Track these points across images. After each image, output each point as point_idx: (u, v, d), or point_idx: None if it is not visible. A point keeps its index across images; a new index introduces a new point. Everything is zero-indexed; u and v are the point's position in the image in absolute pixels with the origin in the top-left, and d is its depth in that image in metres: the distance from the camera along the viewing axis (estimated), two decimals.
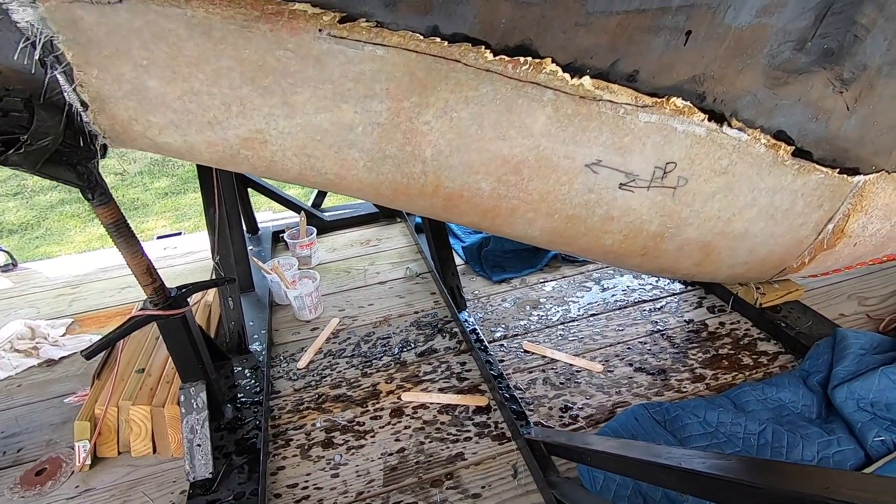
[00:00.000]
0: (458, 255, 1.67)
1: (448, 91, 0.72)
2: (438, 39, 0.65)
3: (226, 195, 1.33)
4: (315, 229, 1.72)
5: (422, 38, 0.65)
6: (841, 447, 0.89)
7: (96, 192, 0.75)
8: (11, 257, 1.81)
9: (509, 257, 1.59)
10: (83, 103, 0.64)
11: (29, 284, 1.71)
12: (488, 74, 0.71)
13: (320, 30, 0.61)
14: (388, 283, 1.57)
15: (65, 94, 0.63)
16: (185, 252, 1.86)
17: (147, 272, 0.84)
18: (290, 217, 1.98)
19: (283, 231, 1.79)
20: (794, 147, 0.91)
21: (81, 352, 0.80)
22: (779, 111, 0.87)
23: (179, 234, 2.02)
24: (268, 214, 2.05)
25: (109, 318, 1.49)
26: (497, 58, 0.69)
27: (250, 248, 1.74)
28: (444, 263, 1.42)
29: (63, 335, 1.41)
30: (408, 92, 0.70)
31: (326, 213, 1.95)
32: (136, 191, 4.18)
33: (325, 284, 1.58)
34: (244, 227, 1.81)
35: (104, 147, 0.74)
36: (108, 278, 1.71)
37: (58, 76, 0.60)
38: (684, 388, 1.11)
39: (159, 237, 1.99)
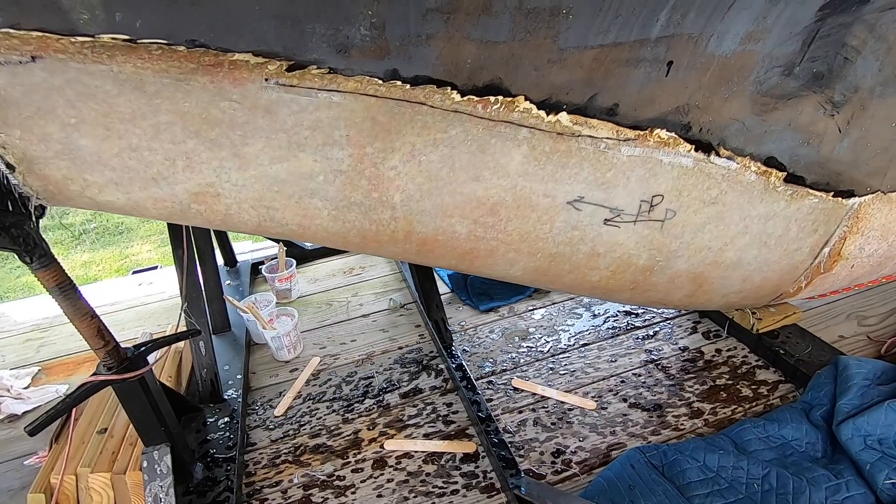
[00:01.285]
0: (444, 283, 1.61)
1: (414, 135, 0.66)
2: (399, 83, 0.60)
3: (197, 228, 1.27)
4: (294, 261, 1.65)
5: (381, 82, 0.59)
6: (850, 492, 0.83)
7: (35, 254, 0.69)
8: None
9: (496, 284, 1.53)
10: (8, 165, 0.58)
11: None
12: (457, 115, 0.66)
13: (266, 79, 0.55)
14: (371, 317, 1.51)
15: None
16: (161, 289, 1.78)
17: (98, 334, 0.78)
18: (270, 247, 1.91)
19: (262, 263, 1.72)
20: (785, 173, 0.87)
21: (25, 428, 0.73)
22: (768, 137, 0.83)
23: (155, 268, 1.95)
24: (247, 244, 1.98)
25: (78, 364, 1.42)
26: (465, 98, 0.64)
27: (228, 282, 1.67)
28: (427, 296, 1.36)
29: (27, 386, 1.33)
30: (370, 137, 0.65)
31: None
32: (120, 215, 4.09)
33: (305, 319, 1.52)
34: (222, 261, 1.75)
35: (41, 207, 0.68)
36: None
37: None
38: (682, 425, 1.05)
39: (134, 272, 1.92)
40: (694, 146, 0.78)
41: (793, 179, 0.88)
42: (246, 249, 1.93)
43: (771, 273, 1.01)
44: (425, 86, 0.61)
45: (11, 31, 0.44)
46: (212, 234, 1.42)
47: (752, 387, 1.12)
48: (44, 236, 0.71)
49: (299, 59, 0.54)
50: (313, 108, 0.60)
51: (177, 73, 0.52)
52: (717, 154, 0.81)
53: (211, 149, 0.62)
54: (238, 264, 1.78)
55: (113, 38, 0.47)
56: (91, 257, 3.65)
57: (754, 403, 1.08)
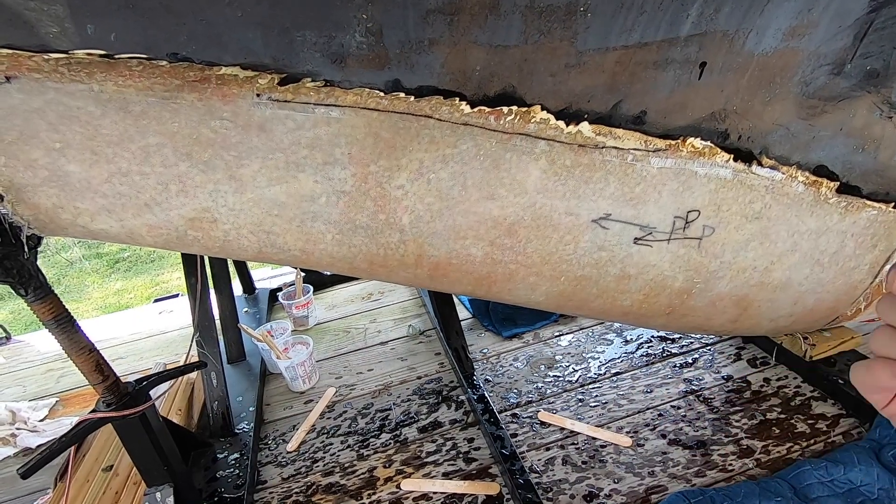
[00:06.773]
0: (466, 308, 1.54)
1: (422, 151, 0.61)
2: (403, 95, 0.55)
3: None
4: (311, 287, 1.61)
5: (382, 94, 0.55)
6: None
7: (30, 286, 0.66)
8: (5, 330, 1.75)
9: (520, 308, 1.46)
10: None
11: (19, 360, 1.64)
12: (467, 129, 0.60)
13: (258, 94, 0.51)
14: (389, 344, 1.45)
15: None
16: (181, 317, 1.77)
17: (97, 369, 0.75)
18: (290, 273, 1.89)
19: (280, 289, 1.69)
20: (838, 182, 0.78)
21: (18, 470, 0.70)
22: (817, 144, 0.75)
23: (176, 296, 1.95)
24: (266, 271, 1.97)
25: (95, 395, 1.39)
26: (476, 109, 0.59)
27: (245, 310, 1.65)
28: (446, 322, 1.29)
29: (43, 419, 1.32)
30: (374, 155, 0.60)
31: None
32: None
33: (322, 347, 1.47)
34: (240, 288, 1.73)
35: (36, 237, 0.65)
36: (99, 349, 1.63)
37: None
38: (730, 465, 0.94)
39: (156, 300, 1.92)
40: (732, 156, 0.71)
41: (847, 190, 0.79)
42: (265, 276, 1.92)
43: (825, 294, 0.91)
44: (431, 97, 0.57)
45: None
46: (228, 261, 1.39)
47: (809, 421, 1.00)
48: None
49: (291, 72, 0.50)
50: (311, 125, 0.56)
51: (162, 90, 0.49)
52: (760, 164, 0.73)
53: (205, 171, 0.58)
54: (256, 291, 1.75)
55: (88, 54, 0.44)
56: (124, 285, 3.72)
57: (812, 441, 0.96)
